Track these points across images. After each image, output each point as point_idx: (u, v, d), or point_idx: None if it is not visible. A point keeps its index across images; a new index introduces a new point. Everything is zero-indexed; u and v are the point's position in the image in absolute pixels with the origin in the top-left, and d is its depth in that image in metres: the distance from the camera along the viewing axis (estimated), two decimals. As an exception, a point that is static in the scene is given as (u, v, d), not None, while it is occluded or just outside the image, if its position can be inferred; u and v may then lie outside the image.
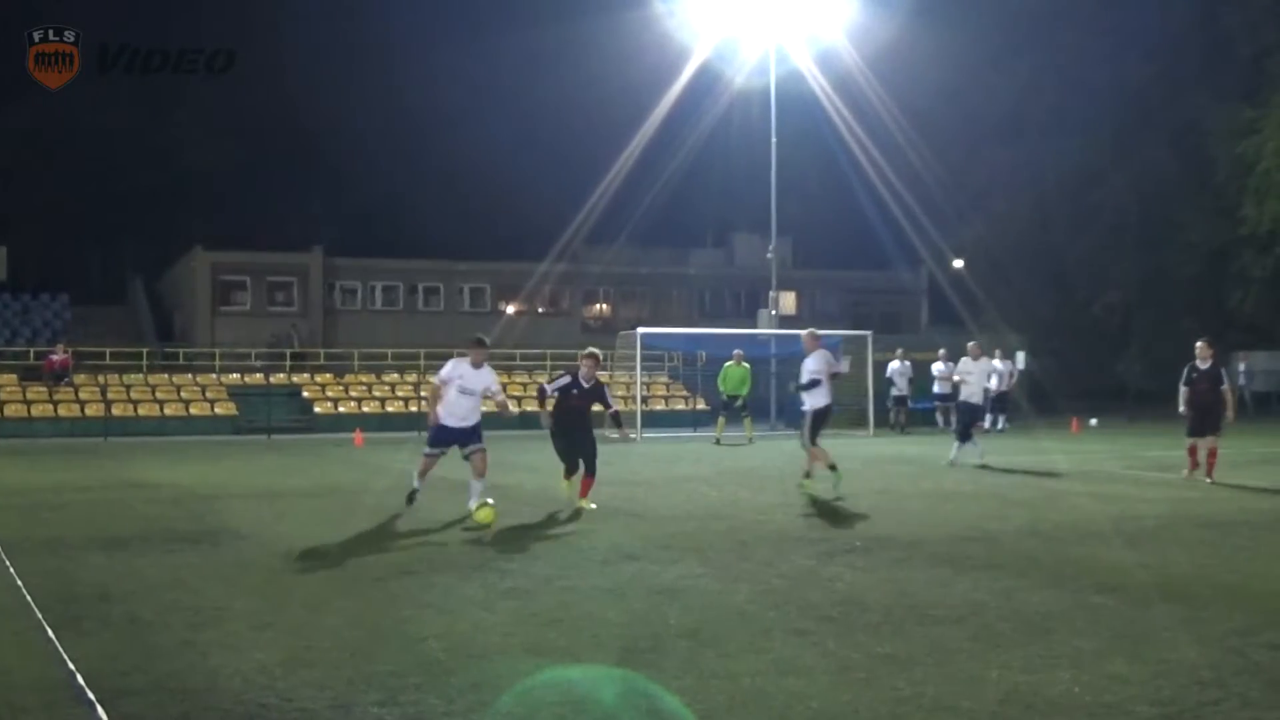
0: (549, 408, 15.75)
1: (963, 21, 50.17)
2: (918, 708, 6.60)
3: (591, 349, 15.92)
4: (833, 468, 18.00)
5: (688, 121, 44.97)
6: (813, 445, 18.30)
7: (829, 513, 15.46)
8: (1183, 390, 19.54)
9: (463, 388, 14.82)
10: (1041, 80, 50.90)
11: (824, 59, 41.29)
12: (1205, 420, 19.15)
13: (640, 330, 36.80)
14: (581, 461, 15.82)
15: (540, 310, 56.48)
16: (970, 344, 24.02)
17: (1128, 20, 49.08)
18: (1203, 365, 19.34)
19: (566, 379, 15.82)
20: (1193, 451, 19.37)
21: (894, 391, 36.61)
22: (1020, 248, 52.51)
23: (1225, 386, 19.48)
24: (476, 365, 15.02)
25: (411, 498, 15.41)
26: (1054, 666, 7.38)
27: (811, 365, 18.66)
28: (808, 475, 18.22)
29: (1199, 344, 19.55)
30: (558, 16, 60.73)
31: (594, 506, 15.39)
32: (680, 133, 45.55)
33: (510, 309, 55.84)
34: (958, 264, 53.86)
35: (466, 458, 15.03)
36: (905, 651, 7.78)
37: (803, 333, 20.13)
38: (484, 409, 15.39)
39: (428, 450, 15.36)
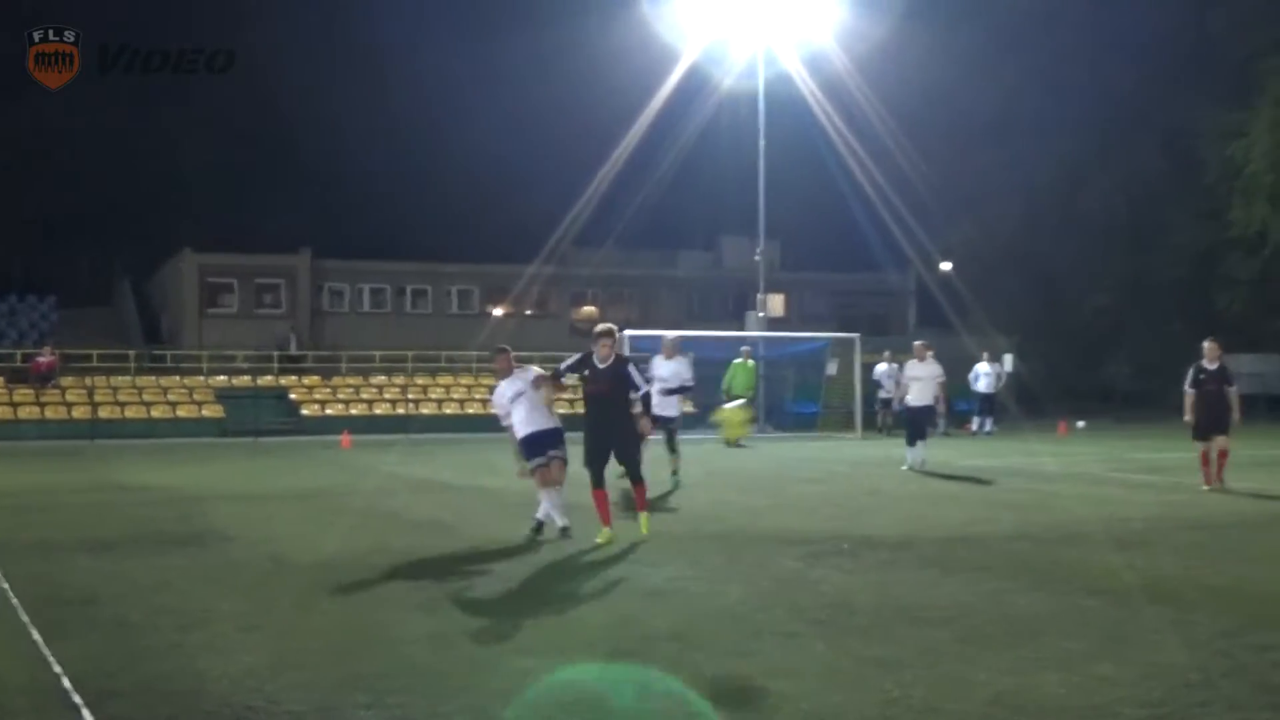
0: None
1: (951, 23, 50.26)
2: (906, 710, 6.60)
3: (605, 325, 13.61)
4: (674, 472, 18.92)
5: (677, 124, 44.91)
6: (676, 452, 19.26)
7: (818, 515, 15.45)
8: (1190, 393, 18.57)
9: (513, 397, 13.60)
10: (1030, 82, 50.96)
11: (812, 61, 41.30)
12: (1213, 421, 18.25)
13: (628, 332, 36.75)
14: (620, 464, 13.21)
15: (528, 312, 56.45)
16: (916, 344, 23.47)
17: (1116, 22, 49.21)
18: (1210, 366, 18.55)
19: (578, 357, 13.51)
20: (1206, 459, 18.34)
21: (881, 394, 36.54)
22: (1008, 249, 52.58)
23: (1234, 388, 18.63)
24: (506, 374, 13.77)
25: (539, 528, 13.28)
26: (1043, 669, 7.38)
27: (682, 370, 19.19)
28: (674, 472, 18.93)
29: (1207, 344, 18.77)
30: (548, 19, 60.84)
31: (645, 531, 12.96)
32: (669, 135, 45.47)
33: (498, 311, 55.79)
34: (946, 266, 53.91)
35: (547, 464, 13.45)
36: (894, 654, 7.78)
37: (666, 337, 20.50)
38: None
39: (530, 463, 13.42)
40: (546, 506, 13.26)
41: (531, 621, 8.85)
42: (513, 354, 14.09)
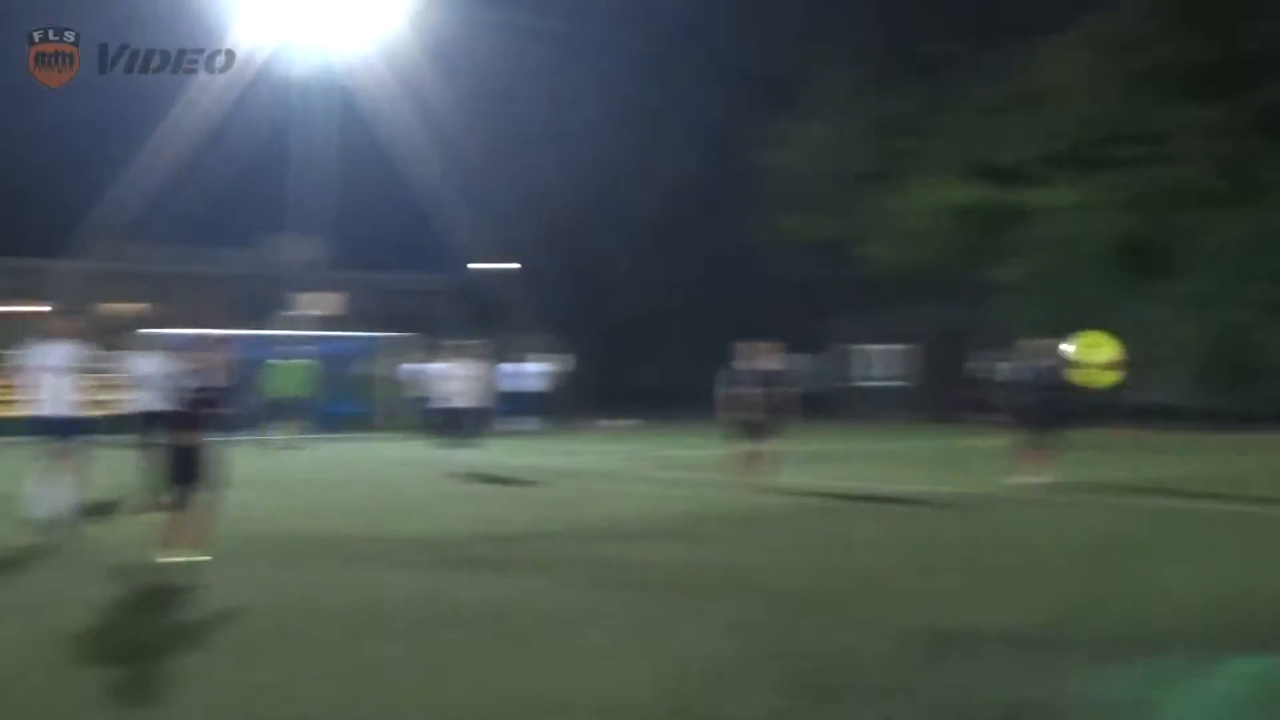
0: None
1: (515, 25, 50.82)
2: (439, 713, 6.55)
3: (217, 333, 12.53)
4: None
5: (233, 119, 43.43)
6: None
7: (351, 517, 15.21)
8: (734, 393, 18.40)
9: (48, 368, 12.60)
10: (587, 85, 52.15)
11: (378, 57, 40.87)
12: (767, 424, 18.25)
13: (161, 330, 35.24)
14: (197, 484, 11.33)
15: (59, 309, 53.32)
16: (458, 343, 23.66)
17: (671, 31, 51.13)
18: (764, 366, 18.55)
19: (184, 378, 11.71)
20: (748, 457, 18.31)
21: (419, 394, 36.20)
22: (561, 251, 53.75)
23: (787, 389, 18.72)
24: (51, 339, 12.78)
25: (59, 526, 12.42)
26: (574, 664, 7.51)
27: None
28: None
29: (760, 345, 18.73)
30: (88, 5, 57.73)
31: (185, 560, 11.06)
32: (226, 130, 43.97)
33: (25, 308, 52.57)
34: (500, 266, 54.60)
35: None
36: (429, 656, 7.74)
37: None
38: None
39: (49, 444, 12.66)
40: (49, 496, 12.52)
41: (57, 636, 8.25)
42: (78, 323, 13.22)
